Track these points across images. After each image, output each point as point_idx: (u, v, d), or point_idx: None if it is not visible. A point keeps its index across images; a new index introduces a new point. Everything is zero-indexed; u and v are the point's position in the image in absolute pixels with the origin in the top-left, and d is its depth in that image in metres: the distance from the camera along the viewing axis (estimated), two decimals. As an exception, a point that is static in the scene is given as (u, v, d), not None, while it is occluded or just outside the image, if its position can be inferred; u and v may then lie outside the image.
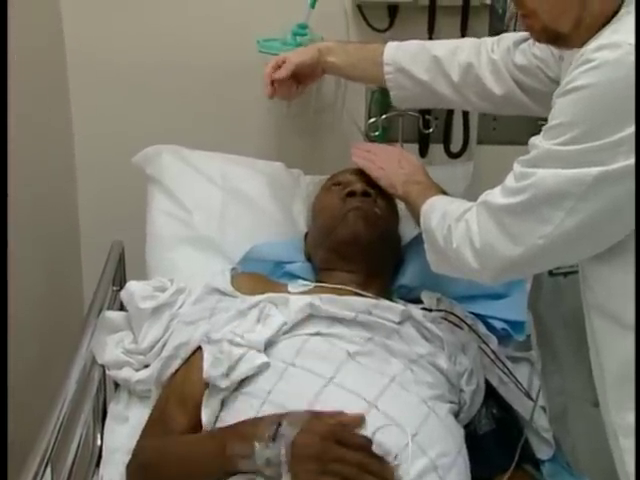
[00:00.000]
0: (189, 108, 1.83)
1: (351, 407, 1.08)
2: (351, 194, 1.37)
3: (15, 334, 1.33)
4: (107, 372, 1.35)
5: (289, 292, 1.31)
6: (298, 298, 1.24)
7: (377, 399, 1.09)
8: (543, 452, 1.30)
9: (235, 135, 1.83)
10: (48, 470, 1.02)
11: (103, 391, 1.35)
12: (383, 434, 1.04)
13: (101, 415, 1.33)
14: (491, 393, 1.29)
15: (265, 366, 1.15)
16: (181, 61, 1.80)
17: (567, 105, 0.90)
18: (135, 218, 1.66)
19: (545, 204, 0.92)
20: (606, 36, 0.90)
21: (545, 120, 0.97)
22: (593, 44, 0.89)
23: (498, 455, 1.21)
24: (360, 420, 1.04)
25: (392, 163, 1.39)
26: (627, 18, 0.92)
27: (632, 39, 0.86)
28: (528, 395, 1.34)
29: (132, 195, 1.71)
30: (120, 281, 1.57)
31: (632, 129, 0.85)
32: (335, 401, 1.08)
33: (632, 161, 0.86)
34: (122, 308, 1.46)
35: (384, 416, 1.08)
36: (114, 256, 1.57)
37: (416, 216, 1.24)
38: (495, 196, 1.01)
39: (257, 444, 1.00)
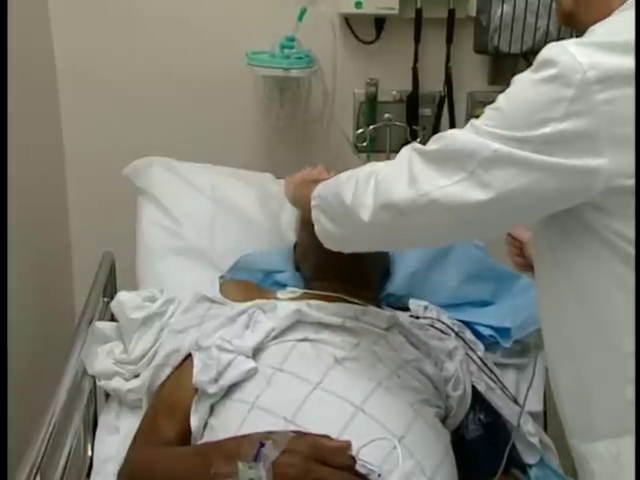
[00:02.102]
0: (179, 120, 1.85)
1: (338, 411, 1.09)
2: None
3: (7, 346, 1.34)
4: (98, 382, 1.35)
5: (278, 299, 1.33)
6: (286, 304, 1.25)
7: (364, 403, 1.10)
8: (530, 457, 1.31)
9: (224, 147, 1.85)
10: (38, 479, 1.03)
11: (94, 402, 1.36)
12: (367, 450, 1.03)
13: (92, 425, 1.34)
14: (479, 399, 1.30)
15: (253, 372, 1.15)
16: (171, 74, 1.83)
17: (505, 92, 0.87)
18: (127, 230, 1.67)
19: (453, 159, 0.87)
20: (590, 32, 0.85)
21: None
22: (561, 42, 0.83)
23: (486, 460, 1.21)
24: (346, 446, 1.03)
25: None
26: (620, 16, 0.86)
27: (584, 43, 0.82)
28: (515, 401, 1.35)
29: (123, 207, 1.73)
30: (111, 292, 1.58)
31: (547, 131, 0.81)
32: (322, 406, 1.09)
33: (540, 157, 0.82)
34: (113, 319, 1.46)
35: (371, 419, 1.08)
36: (105, 267, 1.58)
37: (307, 203, 1.14)
38: (412, 145, 0.96)
39: (240, 464, 0.99)
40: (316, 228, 1.11)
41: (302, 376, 1.14)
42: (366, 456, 1.03)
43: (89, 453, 1.30)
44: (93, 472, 1.26)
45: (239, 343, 1.19)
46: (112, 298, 1.48)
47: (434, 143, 0.92)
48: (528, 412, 1.34)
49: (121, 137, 1.85)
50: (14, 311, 1.47)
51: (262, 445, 1.01)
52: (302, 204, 1.22)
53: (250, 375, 1.15)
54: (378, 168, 0.99)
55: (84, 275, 1.72)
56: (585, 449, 0.93)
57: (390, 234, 1.00)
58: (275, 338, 1.21)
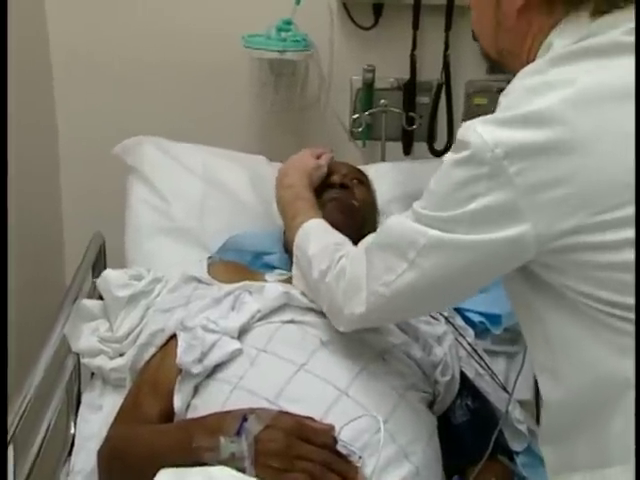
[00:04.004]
0: (173, 103, 1.84)
1: (321, 394, 1.07)
2: (329, 186, 1.37)
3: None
4: (81, 360, 1.34)
5: (266, 281, 1.31)
6: (274, 286, 1.24)
7: (348, 387, 1.09)
8: (517, 444, 1.29)
9: (219, 131, 1.83)
10: (10, 448, 1.01)
11: (77, 379, 1.35)
12: (349, 433, 1.02)
13: (75, 403, 1.33)
14: (467, 385, 1.28)
15: (238, 352, 1.14)
16: (165, 56, 1.81)
17: (436, 173, 0.94)
18: (119, 211, 1.66)
19: (394, 248, 0.95)
20: (498, 104, 0.90)
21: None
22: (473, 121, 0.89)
23: (472, 445, 1.19)
24: (329, 429, 1.02)
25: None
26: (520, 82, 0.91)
27: (490, 120, 0.87)
28: (504, 388, 1.33)
29: (116, 188, 1.71)
30: (101, 272, 1.56)
31: (472, 206, 0.87)
32: (305, 387, 1.08)
33: (470, 237, 0.88)
34: (102, 299, 1.45)
35: (354, 403, 1.07)
36: (94, 247, 1.57)
37: (290, 231, 1.25)
38: (370, 237, 1.06)
39: (222, 438, 0.99)
40: (294, 282, 1.20)
41: (286, 357, 1.12)
42: (348, 438, 1.02)
43: (72, 430, 1.29)
44: (75, 449, 1.26)
45: (224, 324, 1.18)
46: (102, 278, 1.47)
47: (379, 234, 1.02)
48: (517, 400, 1.32)
49: (115, 121, 1.83)
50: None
51: (245, 420, 1.00)
52: (287, 231, 1.31)
53: (234, 356, 1.14)
54: (342, 269, 1.06)
55: (76, 257, 1.71)
56: None
57: (370, 325, 1.13)
58: (261, 319, 1.20)
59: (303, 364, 1.11)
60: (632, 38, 0.87)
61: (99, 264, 1.56)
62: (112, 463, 1.14)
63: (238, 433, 1.00)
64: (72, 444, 1.27)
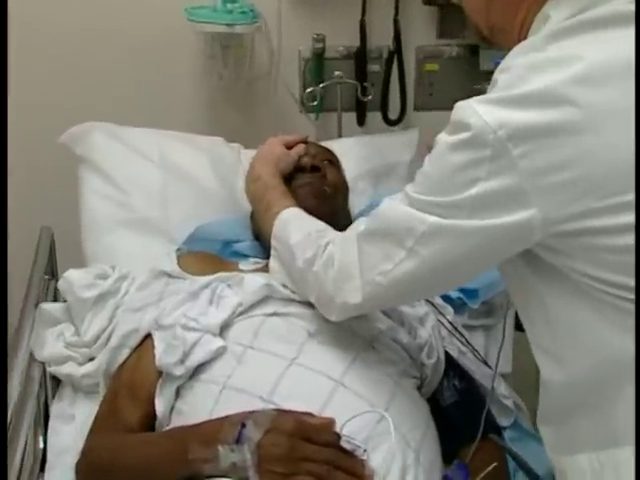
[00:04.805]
0: (115, 82, 1.74)
1: (317, 387, 1.04)
2: (299, 170, 1.32)
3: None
4: (47, 369, 1.26)
5: (241, 270, 1.26)
6: (253, 278, 1.18)
7: (343, 377, 1.06)
8: (504, 419, 1.30)
9: (166, 109, 1.76)
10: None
11: (44, 390, 1.26)
12: (351, 426, 0.99)
13: (43, 415, 1.24)
14: (451, 364, 1.26)
15: (222, 350, 1.09)
16: (105, 31, 1.70)
17: (429, 156, 0.90)
18: (63, 202, 1.57)
19: (391, 236, 0.92)
20: (493, 82, 0.86)
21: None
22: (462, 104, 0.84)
23: (463, 426, 1.18)
24: (330, 423, 0.98)
25: None
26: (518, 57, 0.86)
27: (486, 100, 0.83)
28: (486, 363, 1.33)
29: (58, 177, 1.62)
30: (52, 270, 1.47)
31: (473, 191, 0.83)
32: (300, 382, 1.04)
33: (472, 222, 0.85)
34: (56, 300, 1.37)
35: (352, 393, 1.04)
36: (44, 243, 1.47)
37: (266, 227, 1.21)
38: (361, 223, 1.01)
39: (221, 448, 0.95)
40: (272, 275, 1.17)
41: (275, 352, 1.08)
42: (350, 432, 0.99)
43: (41, 445, 1.21)
44: (47, 466, 1.17)
45: (205, 321, 1.12)
46: (53, 276, 1.38)
47: (373, 221, 0.97)
48: (500, 374, 1.32)
49: (53, 101, 1.72)
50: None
51: (243, 426, 0.95)
52: (263, 223, 1.25)
53: (219, 354, 1.09)
54: (330, 256, 1.03)
55: (18, 252, 1.59)
56: (565, 462, 0.92)
57: (363, 313, 1.10)
58: (241, 314, 1.15)
59: (294, 358, 1.07)
60: (634, 7, 0.83)
61: (50, 262, 1.46)
62: (93, 478, 1.08)
63: (237, 441, 0.95)
64: (43, 459, 1.19)
